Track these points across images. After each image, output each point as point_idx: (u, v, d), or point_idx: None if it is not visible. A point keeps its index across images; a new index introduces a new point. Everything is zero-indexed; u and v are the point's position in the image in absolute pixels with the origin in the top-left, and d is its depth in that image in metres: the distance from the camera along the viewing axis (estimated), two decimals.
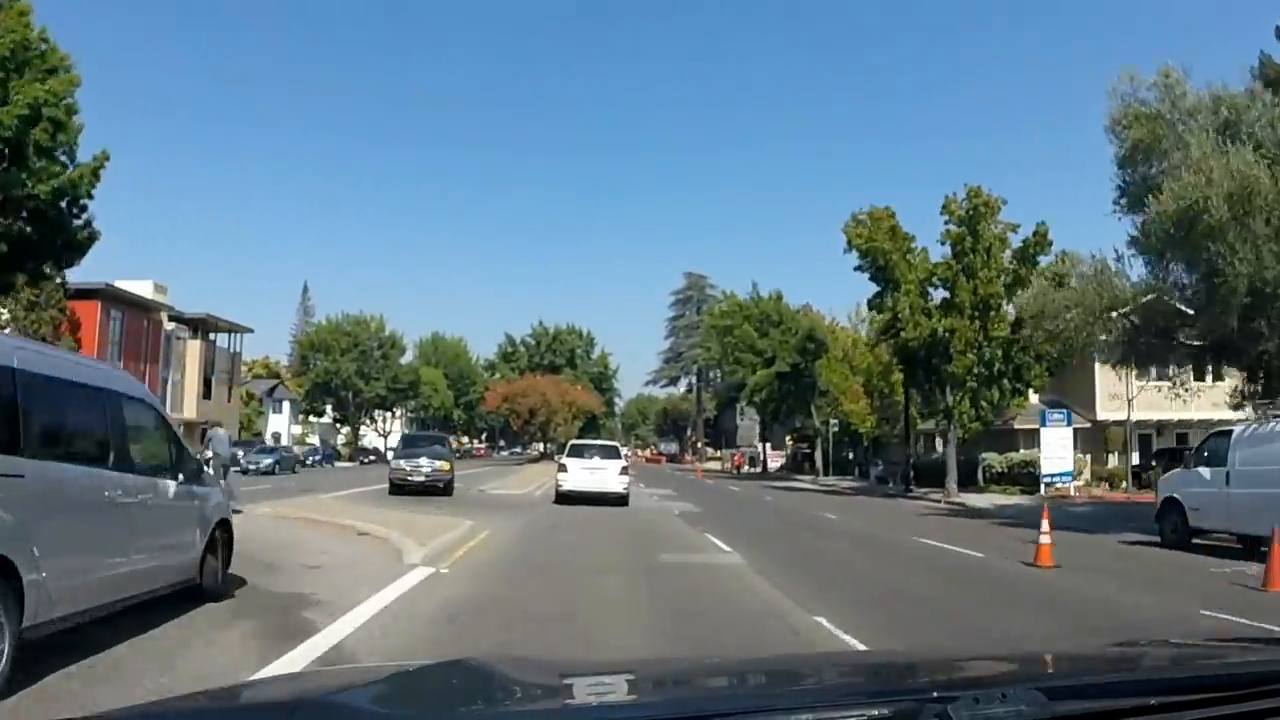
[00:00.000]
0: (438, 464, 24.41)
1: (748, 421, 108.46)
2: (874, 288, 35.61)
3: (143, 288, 62.10)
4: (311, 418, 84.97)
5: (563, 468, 23.98)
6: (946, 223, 33.68)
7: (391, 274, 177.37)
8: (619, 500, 22.87)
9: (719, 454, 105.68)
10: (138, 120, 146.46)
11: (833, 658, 4.04)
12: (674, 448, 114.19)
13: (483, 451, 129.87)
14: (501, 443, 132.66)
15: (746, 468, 71.88)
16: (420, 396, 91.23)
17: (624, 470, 24.04)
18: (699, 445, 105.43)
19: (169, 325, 65.44)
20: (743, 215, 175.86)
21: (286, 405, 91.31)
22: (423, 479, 24.24)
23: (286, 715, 1.43)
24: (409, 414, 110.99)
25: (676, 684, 2.10)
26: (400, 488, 24.35)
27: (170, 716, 1.61)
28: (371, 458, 78.62)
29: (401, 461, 24.71)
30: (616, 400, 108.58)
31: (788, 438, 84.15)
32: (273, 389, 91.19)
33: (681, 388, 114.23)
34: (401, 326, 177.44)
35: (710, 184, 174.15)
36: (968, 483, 39.29)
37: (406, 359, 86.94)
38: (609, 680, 2.08)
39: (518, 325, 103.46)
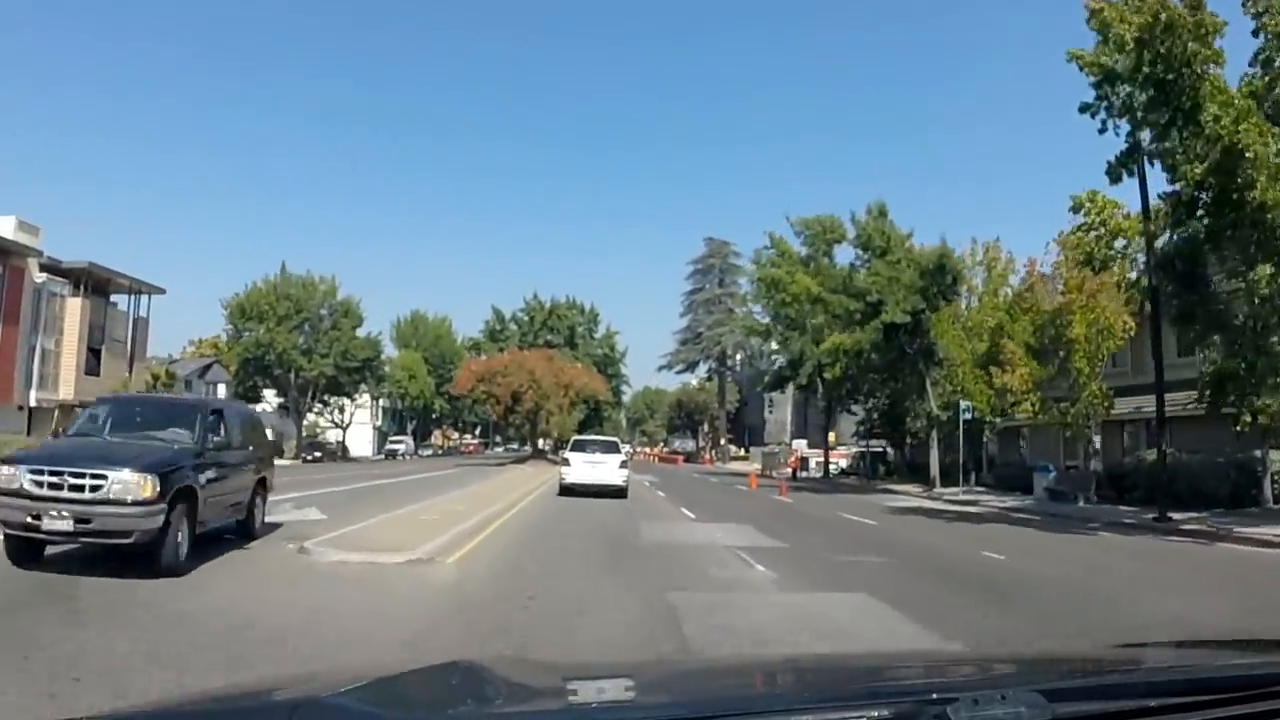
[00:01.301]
0: (121, 483, 7.85)
1: (777, 415, 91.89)
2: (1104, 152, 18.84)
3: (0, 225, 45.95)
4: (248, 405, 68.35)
5: (566, 462, 24.91)
6: None
7: (372, 248, 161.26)
8: (618, 493, 23.16)
9: (744, 452, 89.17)
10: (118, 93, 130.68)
11: (833, 659, 3.63)
12: (690, 445, 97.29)
13: (472, 449, 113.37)
14: (497, 439, 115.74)
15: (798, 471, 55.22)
16: (388, 380, 74.58)
17: (623, 464, 24.47)
18: (722, 442, 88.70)
19: (39, 276, 48.94)
20: (768, 176, 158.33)
21: (223, 389, 74.92)
22: (66, 525, 7.74)
23: (286, 715, 1.40)
24: (382, 404, 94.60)
25: (676, 685, 2.07)
26: (32, 549, 8.06)
27: (170, 717, 1.60)
28: (317, 454, 62.43)
29: (22, 474, 8.03)
30: (624, 389, 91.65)
31: (830, 435, 69.14)
32: (206, 369, 74.83)
33: (699, 374, 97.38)
34: (381, 308, 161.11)
35: (730, 139, 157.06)
36: (1238, 502, 22.94)
37: (381, 341, 69.71)
38: (609, 682, 2.10)
39: (511, 303, 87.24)
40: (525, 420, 53.39)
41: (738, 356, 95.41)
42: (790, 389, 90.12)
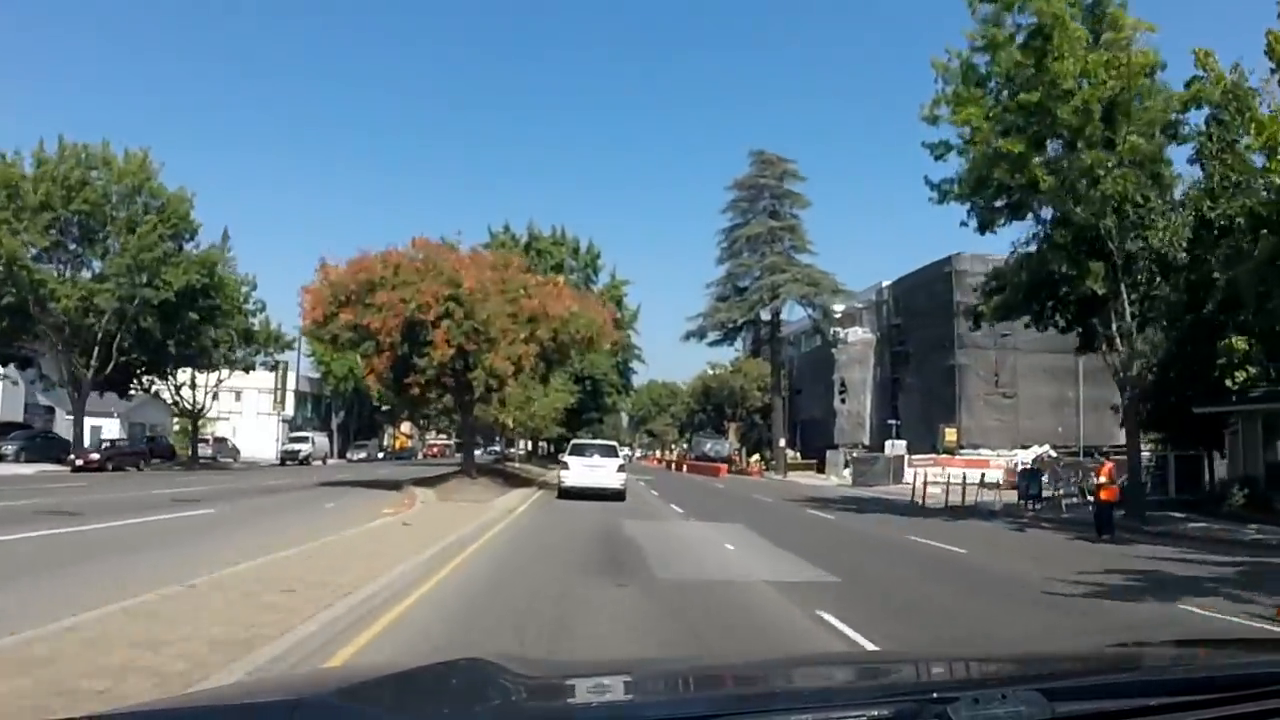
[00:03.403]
0: None
1: (851, 406, 64.48)
2: None
3: None
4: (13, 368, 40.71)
5: (564, 465, 25.32)
6: None
7: (318, 183, 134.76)
8: (616, 495, 23.84)
9: (798, 455, 62.29)
10: None
11: (833, 658, 3.79)
12: (723, 447, 69.60)
13: (436, 450, 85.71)
14: (478, 439, 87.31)
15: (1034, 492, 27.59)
16: (261, 337, 46.88)
17: (620, 468, 25.04)
18: (780, 443, 61.33)
19: None
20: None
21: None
22: None
23: (287, 715, 1.39)
24: (291, 386, 67.01)
25: (677, 684, 2.07)
26: None
27: (170, 716, 1.59)
28: (94, 458, 35.22)
29: None
30: (635, 367, 64.06)
31: (949, 432, 44.88)
32: None
33: (738, 349, 70.13)
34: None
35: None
36: None
37: (231, 257, 42.29)
38: (610, 681, 2.06)
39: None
40: (439, 385, 25.81)
41: (779, 328, 68.07)
42: (870, 366, 63.08)
